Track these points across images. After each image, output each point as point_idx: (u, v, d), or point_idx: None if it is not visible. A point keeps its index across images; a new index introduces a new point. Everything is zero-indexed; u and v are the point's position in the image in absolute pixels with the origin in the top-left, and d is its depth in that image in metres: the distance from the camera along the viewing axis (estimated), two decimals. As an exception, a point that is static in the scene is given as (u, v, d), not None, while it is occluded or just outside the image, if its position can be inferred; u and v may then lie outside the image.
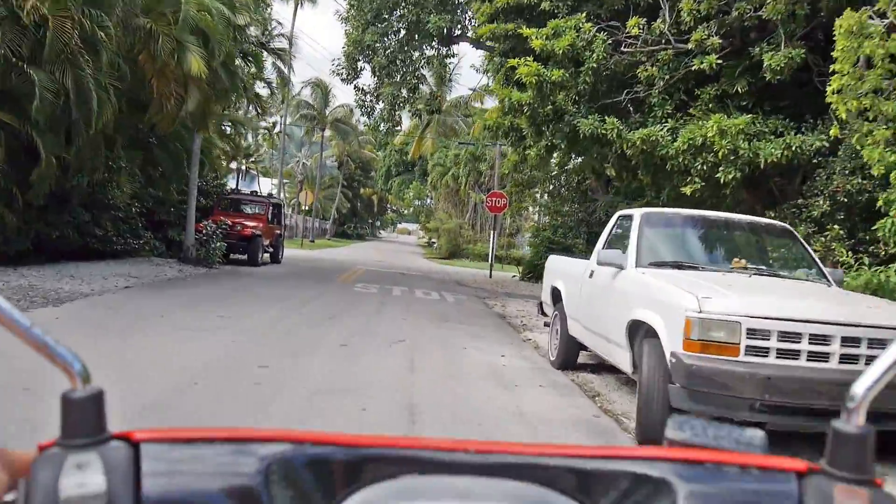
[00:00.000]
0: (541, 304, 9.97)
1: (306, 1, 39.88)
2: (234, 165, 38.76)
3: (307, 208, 48.77)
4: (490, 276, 24.81)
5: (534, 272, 23.38)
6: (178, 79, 13.52)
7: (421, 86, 22.82)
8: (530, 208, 26.47)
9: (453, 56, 21.98)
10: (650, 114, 12.14)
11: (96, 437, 0.58)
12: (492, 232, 36.32)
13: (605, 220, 12.42)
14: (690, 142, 10.69)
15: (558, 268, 9.31)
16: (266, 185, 61.77)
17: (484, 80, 43.79)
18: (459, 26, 20.51)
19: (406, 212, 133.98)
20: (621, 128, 11.74)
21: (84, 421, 0.58)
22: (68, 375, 0.59)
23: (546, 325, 9.41)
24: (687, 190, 11.22)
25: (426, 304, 14.58)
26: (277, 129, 59.94)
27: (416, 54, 20.29)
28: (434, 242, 63.80)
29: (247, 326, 9.28)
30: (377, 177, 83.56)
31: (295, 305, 12.01)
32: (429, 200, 52.82)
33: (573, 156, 16.64)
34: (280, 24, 33.13)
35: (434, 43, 20.50)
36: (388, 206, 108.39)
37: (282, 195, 46.58)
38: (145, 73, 13.41)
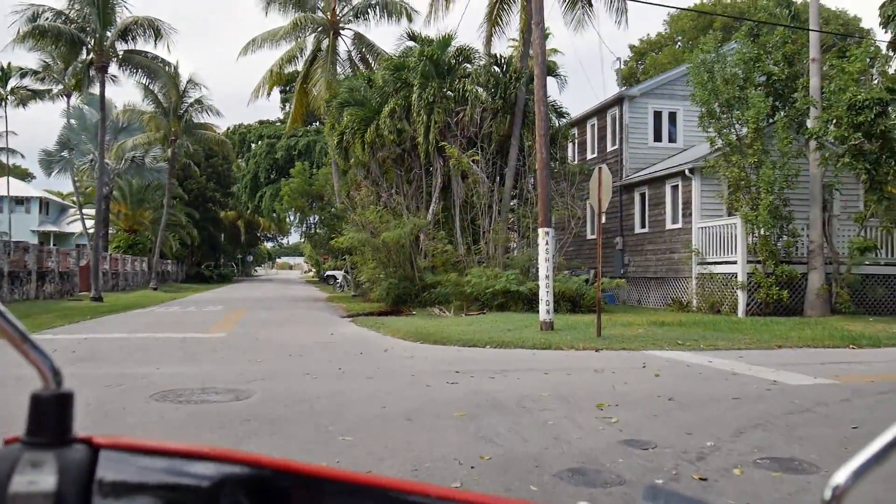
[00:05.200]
0: None
1: None
2: None
3: None
4: None
5: None
6: None
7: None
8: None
9: None
10: None
11: (58, 437, 0.57)
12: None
13: None
14: None
15: None
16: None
17: None
18: None
19: (286, 241, 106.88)
20: None
21: (49, 421, 0.58)
22: (41, 374, 0.59)
23: None
24: None
25: None
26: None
27: None
28: (339, 278, 38.15)
29: None
30: (240, 188, 57.31)
31: None
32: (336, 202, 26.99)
33: None
34: None
35: None
36: (263, 233, 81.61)
37: None
38: None
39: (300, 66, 30.39)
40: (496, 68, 19.83)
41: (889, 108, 14.29)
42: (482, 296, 17.50)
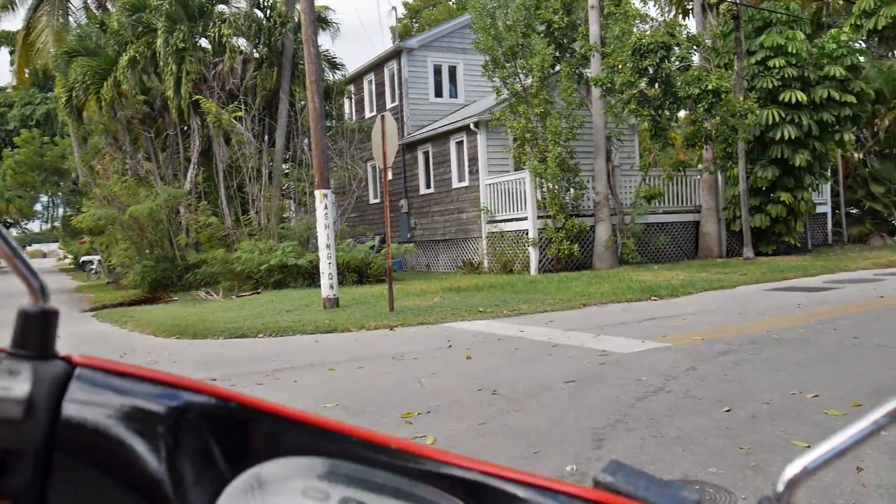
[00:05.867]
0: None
1: None
2: None
3: None
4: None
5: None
6: None
7: None
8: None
9: None
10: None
11: (39, 351, 0.59)
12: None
13: None
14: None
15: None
16: None
17: None
18: None
19: (39, 226, 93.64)
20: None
21: (33, 335, 0.59)
22: (29, 290, 0.60)
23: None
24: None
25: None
26: None
27: None
28: (94, 264, 33.37)
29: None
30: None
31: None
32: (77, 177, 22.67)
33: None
34: None
35: None
36: (1, 218, 70.65)
37: None
38: None
39: (22, 15, 25.44)
40: (258, 12, 17.31)
41: (671, 53, 14.09)
42: (256, 273, 15.26)
